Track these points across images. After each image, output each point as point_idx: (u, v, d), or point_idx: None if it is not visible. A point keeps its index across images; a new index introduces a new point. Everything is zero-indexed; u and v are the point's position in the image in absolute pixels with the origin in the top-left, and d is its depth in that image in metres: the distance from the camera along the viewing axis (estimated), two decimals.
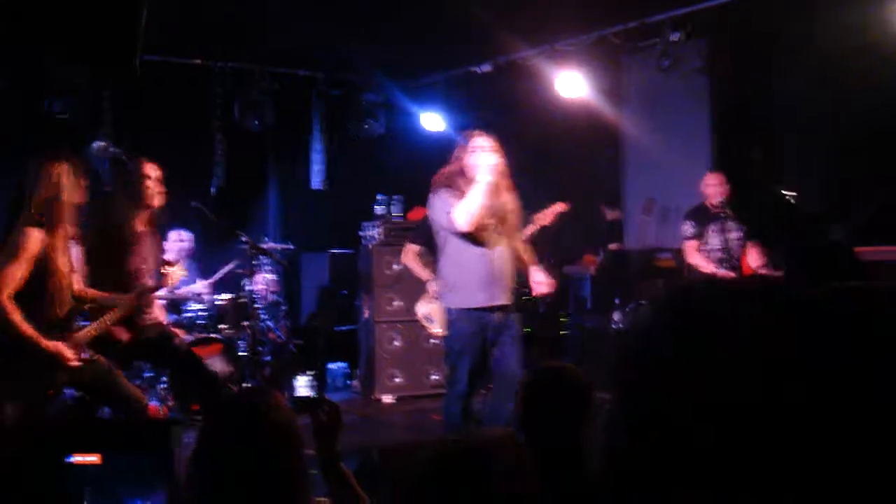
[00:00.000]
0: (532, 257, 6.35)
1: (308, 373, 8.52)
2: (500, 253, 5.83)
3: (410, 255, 7.43)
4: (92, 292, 5.45)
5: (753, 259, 8.20)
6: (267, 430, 2.72)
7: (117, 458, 3.46)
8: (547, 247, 7.71)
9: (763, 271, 7.94)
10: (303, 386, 8.46)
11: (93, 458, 3.37)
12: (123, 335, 5.70)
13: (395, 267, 9.66)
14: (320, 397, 3.95)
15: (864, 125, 8.43)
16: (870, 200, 8.41)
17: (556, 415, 3.23)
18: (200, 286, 9.07)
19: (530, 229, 6.58)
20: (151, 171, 5.93)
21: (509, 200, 5.92)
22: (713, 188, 8.28)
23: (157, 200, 5.93)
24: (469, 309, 5.77)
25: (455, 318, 5.85)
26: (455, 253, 5.81)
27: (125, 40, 8.60)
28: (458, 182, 5.75)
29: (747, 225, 8.29)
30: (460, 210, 5.62)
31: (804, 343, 1.00)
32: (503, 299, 5.83)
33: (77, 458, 3.35)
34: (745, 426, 0.97)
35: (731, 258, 8.23)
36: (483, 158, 5.66)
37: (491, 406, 6.02)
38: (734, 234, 8.22)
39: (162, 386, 7.85)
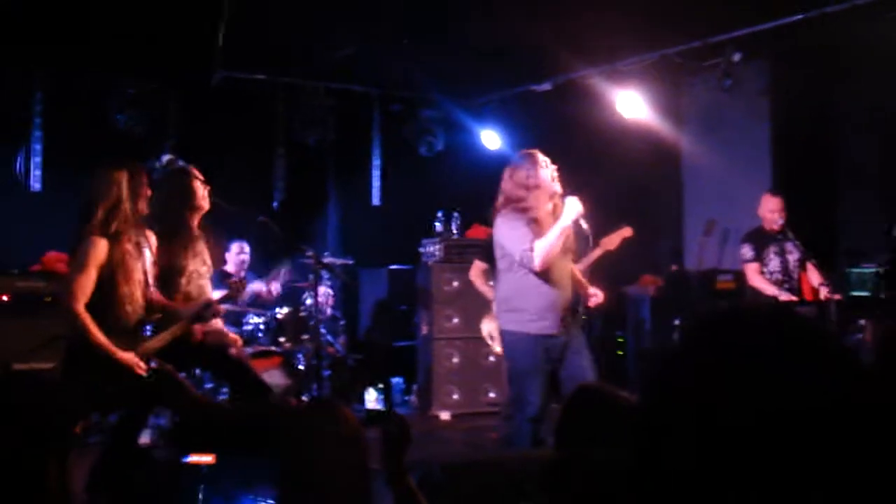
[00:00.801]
0: (586, 277, 6.35)
1: (377, 386, 8.58)
2: (561, 279, 5.83)
3: (477, 272, 7.43)
4: (161, 301, 5.53)
5: (814, 278, 8.15)
6: (333, 441, 2.77)
7: (231, 459, 3.53)
8: (603, 267, 7.68)
9: (823, 290, 7.88)
10: (372, 399, 8.51)
11: (207, 459, 3.44)
12: (197, 333, 5.76)
13: (454, 284, 9.70)
14: (389, 410, 3.99)
15: None
16: None
17: (592, 434, 3.22)
18: (258, 286, 9.15)
19: (596, 253, 6.57)
20: (198, 174, 6.03)
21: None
22: (771, 212, 8.24)
23: (205, 202, 6.02)
24: (529, 334, 5.75)
25: (515, 339, 5.82)
26: (517, 278, 5.78)
27: (202, 57, 8.79)
28: (526, 205, 5.76)
29: (805, 246, 8.25)
30: (540, 250, 5.60)
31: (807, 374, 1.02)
32: (562, 326, 5.80)
33: (193, 459, 3.43)
34: (758, 459, 0.99)
35: (790, 279, 8.20)
36: (570, 201, 5.67)
37: None
38: (793, 256, 8.19)
39: (223, 397, 7.93)
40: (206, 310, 5.68)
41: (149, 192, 5.39)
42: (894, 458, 1.05)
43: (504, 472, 4.05)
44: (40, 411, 2.44)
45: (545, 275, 5.71)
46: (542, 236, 5.65)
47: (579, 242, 6.09)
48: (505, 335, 5.95)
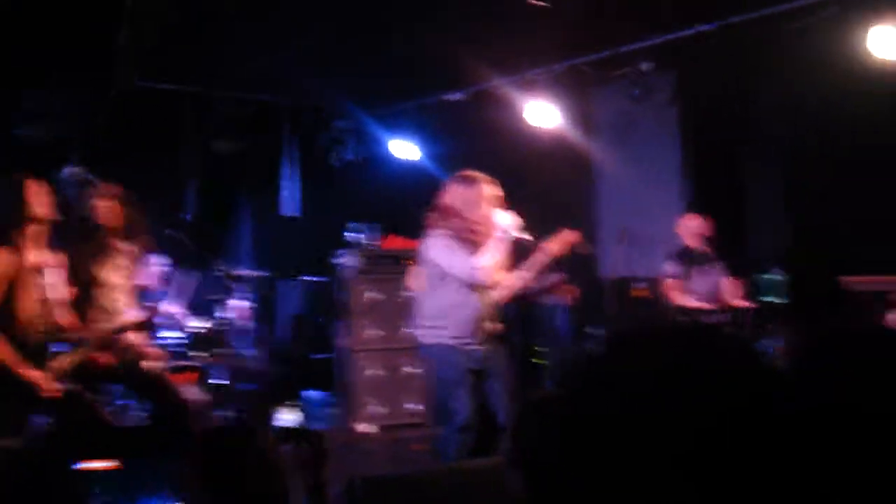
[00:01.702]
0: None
1: (290, 403, 8.49)
2: (486, 295, 5.89)
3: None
4: (63, 323, 5.41)
5: (730, 293, 8.33)
6: (253, 461, 2.74)
7: (131, 464, 3.50)
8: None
9: (741, 303, 8.06)
10: (286, 417, 8.42)
11: (104, 465, 3.40)
12: (102, 358, 5.66)
13: (371, 295, 9.66)
14: (303, 427, 3.98)
15: (836, 156, 8.54)
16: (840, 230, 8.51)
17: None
18: (173, 308, 9.02)
19: (541, 258, 6.62)
20: (106, 191, 5.95)
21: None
22: (693, 231, 8.41)
23: (111, 221, 5.94)
24: (454, 346, 5.79)
25: (437, 351, 5.86)
26: (445, 293, 5.83)
27: (110, 66, 8.63)
28: (461, 226, 5.80)
29: (722, 261, 8.44)
30: (486, 269, 5.72)
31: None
32: (485, 338, 5.88)
33: (83, 465, 3.39)
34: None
35: (714, 300, 8.36)
36: (505, 218, 5.77)
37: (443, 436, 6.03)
38: (718, 275, 8.38)
39: (135, 413, 7.78)
40: (111, 343, 5.57)
41: (54, 205, 5.28)
42: (815, 460, 1.08)
43: (428, 486, 4.04)
44: None
45: (472, 291, 5.76)
46: (476, 254, 5.72)
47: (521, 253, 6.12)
48: (426, 349, 5.99)
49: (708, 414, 1.06)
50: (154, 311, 5.78)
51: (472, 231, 5.78)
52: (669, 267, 8.48)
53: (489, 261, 5.74)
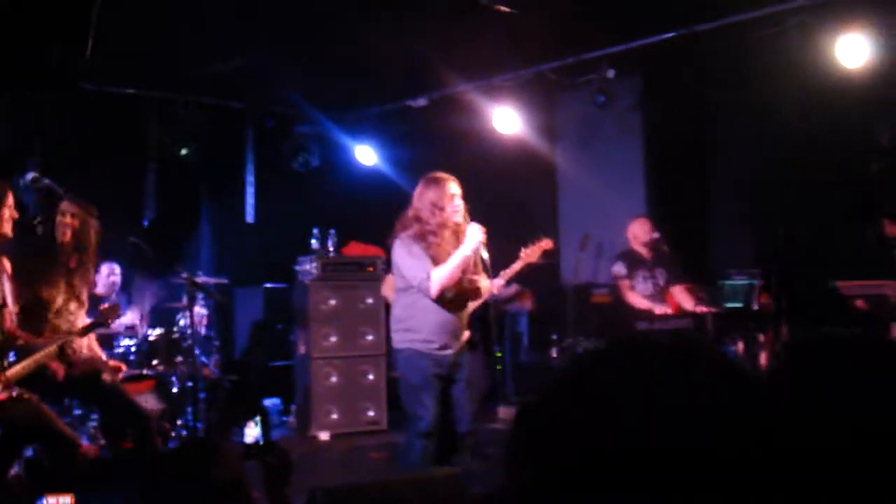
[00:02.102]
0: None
1: (255, 418, 8.39)
2: (457, 305, 5.84)
3: (389, 288, 7.40)
4: (21, 335, 5.30)
5: (685, 301, 8.37)
6: (217, 479, 2.67)
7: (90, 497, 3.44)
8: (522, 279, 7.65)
9: (702, 309, 8.08)
10: (251, 432, 8.32)
11: (66, 500, 3.34)
12: (59, 371, 5.54)
13: (331, 302, 9.58)
14: (268, 442, 3.90)
15: (797, 163, 8.58)
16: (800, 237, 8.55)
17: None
18: (131, 317, 8.91)
19: (518, 265, 6.58)
20: (67, 208, 5.84)
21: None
22: (640, 233, 8.51)
23: (66, 237, 5.83)
24: (420, 351, 5.74)
25: (405, 356, 5.83)
26: (413, 299, 5.79)
27: (69, 70, 8.50)
28: (425, 228, 5.73)
29: (673, 267, 8.49)
30: (437, 279, 5.64)
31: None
32: (456, 345, 5.84)
33: (50, 500, 3.33)
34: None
35: (658, 301, 8.43)
36: (472, 230, 5.67)
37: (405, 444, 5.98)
38: (661, 280, 8.47)
39: (92, 423, 7.66)
40: (62, 354, 5.45)
41: (14, 214, 5.17)
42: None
43: (390, 495, 3.98)
44: None
45: (441, 300, 5.71)
46: (441, 262, 5.66)
47: (480, 269, 6.04)
48: (396, 353, 5.98)
49: (688, 424, 1.01)
50: (109, 313, 5.65)
51: (434, 234, 5.71)
52: (619, 268, 8.61)
53: (443, 273, 5.64)
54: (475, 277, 5.89)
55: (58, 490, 3.48)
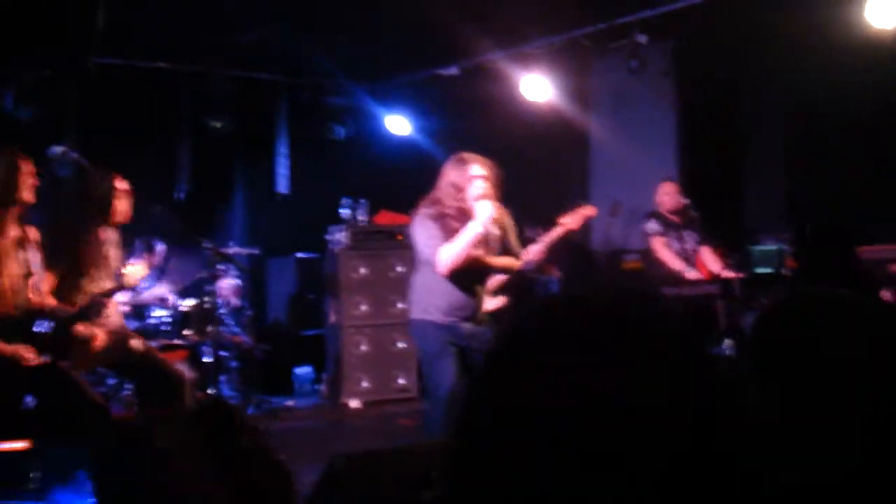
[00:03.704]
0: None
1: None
2: (471, 282, 5.81)
3: None
4: (39, 302, 5.35)
5: (712, 263, 8.33)
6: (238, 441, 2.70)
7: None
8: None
9: (725, 274, 8.03)
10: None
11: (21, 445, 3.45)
12: (98, 339, 5.60)
13: (361, 271, 9.63)
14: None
15: (833, 126, 8.48)
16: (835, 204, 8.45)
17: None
18: (163, 289, 8.98)
19: (557, 232, 6.55)
20: (121, 185, 5.90)
21: (499, 223, 5.88)
22: (668, 197, 8.45)
23: (121, 217, 5.91)
24: (434, 321, 5.75)
25: (421, 326, 5.84)
26: (427, 274, 5.79)
27: (101, 44, 8.55)
28: (444, 209, 5.72)
29: (702, 230, 8.43)
30: (445, 256, 5.61)
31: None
32: (472, 318, 5.83)
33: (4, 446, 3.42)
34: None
35: (688, 263, 8.37)
36: (481, 206, 5.61)
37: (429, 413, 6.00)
38: (689, 244, 8.40)
39: (126, 393, 7.75)
40: (91, 308, 5.52)
41: (36, 183, 5.21)
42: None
43: (410, 462, 3.98)
44: None
45: (453, 277, 5.69)
46: (451, 237, 5.65)
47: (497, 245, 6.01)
48: (412, 323, 5.98)
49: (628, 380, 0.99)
50: (129, 278, 5.70)
51: (452, 217, 5.69)
52: (652, 224, 8.58)
53: (452, 250, 5.60)
54: (486, 253, 5.85)
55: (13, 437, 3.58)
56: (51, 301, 5.42)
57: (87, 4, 7.61)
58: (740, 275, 7.89)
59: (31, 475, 3.61)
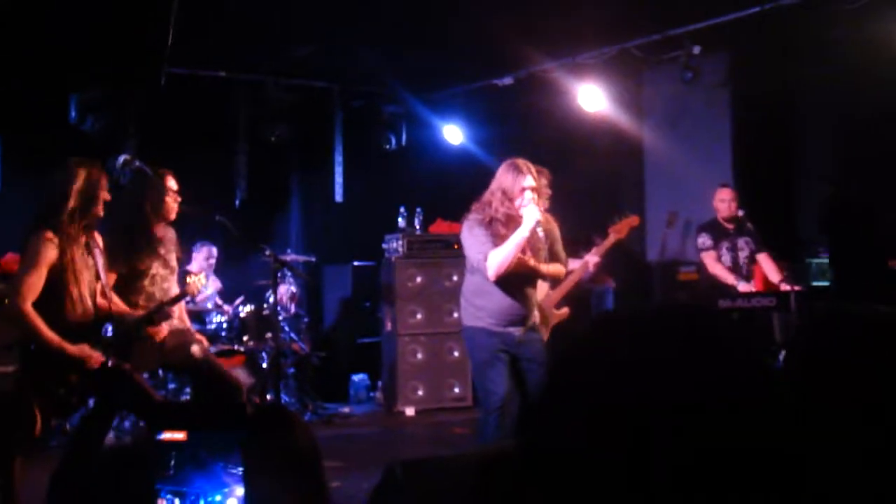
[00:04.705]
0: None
1: None
2: (519, 287, 5.83)
3: None
4: (107, 306, 5.47)
5: (771, 273, 8.26)
6: (294, 443, 2.78)
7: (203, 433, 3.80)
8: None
9: (784, 287, 7.97)
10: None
11: (180, 436, 3.69)
12: (162, 343, 5.73)
13: (417, 279, 9.70)
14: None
15: (889, 137, 8.42)
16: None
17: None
18: (219, 293, 9.13)
19: (609, 241, 6.60)
20: (173, 184, 6.00)
21: (546, 230, 5.90)
22: (724, 204, 8.39)
23: (174, 214, 6.01)
24: (485, 328, 5.80)
25: (471, 332, 5.89)
26: (477, 279, 5.84)
27: (152, 55, 8.71)
28: (493, 214, 5.76)
29: (758, 238, 8.38)
30: (493, 261, 5.65)
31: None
32: (522, 325, 5.84)
33: (166, 436, 3.66)
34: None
35: (740, 275, 8.32)
36: (528, 212, 5.65)
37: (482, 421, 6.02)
38: (743, 253, 8.36)
39: (185, 397, 7.89)
40: (156, 313, 5.65)
41: (107, 194, 5.33)
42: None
43: (468, 469, 4.03)
44: None
45: (502, 282, 5.73)
46: (498, 243, 5.68)
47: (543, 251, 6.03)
48: (463, 330, 6.04)
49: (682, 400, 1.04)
50: (193, 288, 5.82)
51: (501, 223, 5.72)
52: (704, 239, 8.51)
53: (499, 256, 5.64)
54: (534, 259, 5.87)
55: (173, 427, 3.80)
56: (118, 305, 5.55)
57: (159, 20, 7.75)
58: (798, 288, 7.81)
59: (170, 463, 3.82)
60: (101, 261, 5.39)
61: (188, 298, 6.35)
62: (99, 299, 5.37)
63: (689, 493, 1.00)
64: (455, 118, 11.39)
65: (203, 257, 9.08)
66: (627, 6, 8.23)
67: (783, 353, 7.29)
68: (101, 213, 5.31)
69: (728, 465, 1.00)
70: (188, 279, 5.79)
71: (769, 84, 9.34)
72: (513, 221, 5.71)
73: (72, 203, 5.14)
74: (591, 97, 9.78)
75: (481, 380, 5.90)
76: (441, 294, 9.71)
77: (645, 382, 1.04)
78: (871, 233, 8.54)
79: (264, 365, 8.79)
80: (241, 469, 4.28)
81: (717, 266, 8.38)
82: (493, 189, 5.82)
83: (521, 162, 5.83)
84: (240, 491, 4.06)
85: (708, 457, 1.00)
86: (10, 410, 5.06)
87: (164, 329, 5.76)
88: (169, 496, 3.89)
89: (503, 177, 5.80)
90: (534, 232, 5.71)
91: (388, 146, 11.31)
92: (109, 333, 5.50)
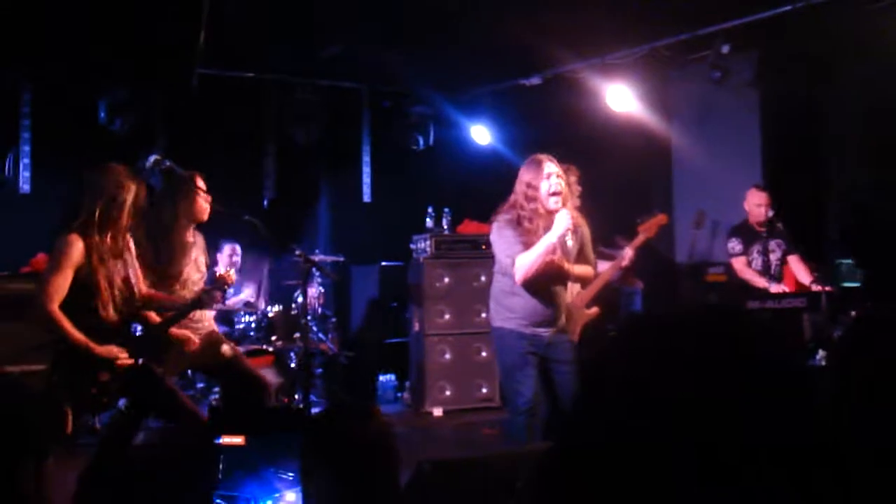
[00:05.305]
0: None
1: None
2: (548, 291, 5.80)
3: None
4: (154, 294, 5.52)
5: (802, 275, 8.22)
6: (371, 435, 2.84)
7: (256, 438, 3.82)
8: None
9: (815, 287, 7.91)
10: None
11: (238, 440, 3.72)
12: (192, 344, 5.75)
13: (445, 280, 9.70)
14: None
15: None
16: None
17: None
18: (247, 293, 9.14)
19: (638, 241, 6.60)
20: (202, 184, 6.02)
21: (577, 231, 5.88)
22: (757, 206, 8.33)
23: (205, 215, 6.03)
24: (514, 330, 5.77)
25: (500, 334, 5.86)
26: (506, 280, 5.80)
27: (182, 57, 8.77)
28: (521, 212, 5.74)
29: (789, 240, 8.33)
30: (521, 265, 5.62)
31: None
32: (551, 327, 5.81)
33: (224, 440, 3.69)
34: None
35: (771, 277, 8.28)
36: (559, 217, 5.60)
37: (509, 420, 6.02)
38: (775, 255, 8.32)
39: (214, 397, 7.93)
40: (206, 295, 5.66)
41: (141, 201, 5.36)
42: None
43: (495, 470, 4.04)
44: (14, 415, 2.42)
45: (531, 284, 5.70)
46: (529, 241, 5.65)
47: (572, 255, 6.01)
48: (492, 331, 6.02)
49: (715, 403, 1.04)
50: (227, 279, 5.84)
51: (529, 220, 5.70)
52: (734, 244, 8.50)
53: (527, 259, 5.61)
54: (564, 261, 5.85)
55: (232, 432, 3.81)
56: (151, 303, 5.58)
57: (190, 22, 7.81)
58: (829, 288, 7.76)
59: (220, 467, 3.85)
60: (132, 264, 5.42)
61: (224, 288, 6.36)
62: (132, 301, 5.40)
63: (730, 491, 0.99)
64: (483, 118, 11.40)
65: (227, 255, 9.12)
66: (656, 6, 8.20)
67: (820, 352, 7.27)
68: (133, 219, 5.34)
69: (767, 462, 1.00)
70: (218, 274, 5.82)
71: (798, 83, 9.28)
72: (539, 217, 5.69)
73: (101, 207, 5.18)
74: (620, 97, 9.76)
75: (510, 381, 5.87)
76: (469, 294, 9.71)
77: (683, 381, 1.04)
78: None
79: (293, 365, 8.82)
80: (291, 474, 4.32)
81: (746, 271, 8.35)
82: (517, 187, 5.80)
83: (540, 155, 5.81)
84: (290, 496, 4.08)
85: (750, 454, 1.00)
86: (40, 409, 5.10)
87: (193, 338, 5.76)
88: (220, 500, 3.90)
89: (525, 173, 5.77)
90: (563, 237, 5.69)
91: (415, 146, 11.33)
92: (139, 333, 5.55)
